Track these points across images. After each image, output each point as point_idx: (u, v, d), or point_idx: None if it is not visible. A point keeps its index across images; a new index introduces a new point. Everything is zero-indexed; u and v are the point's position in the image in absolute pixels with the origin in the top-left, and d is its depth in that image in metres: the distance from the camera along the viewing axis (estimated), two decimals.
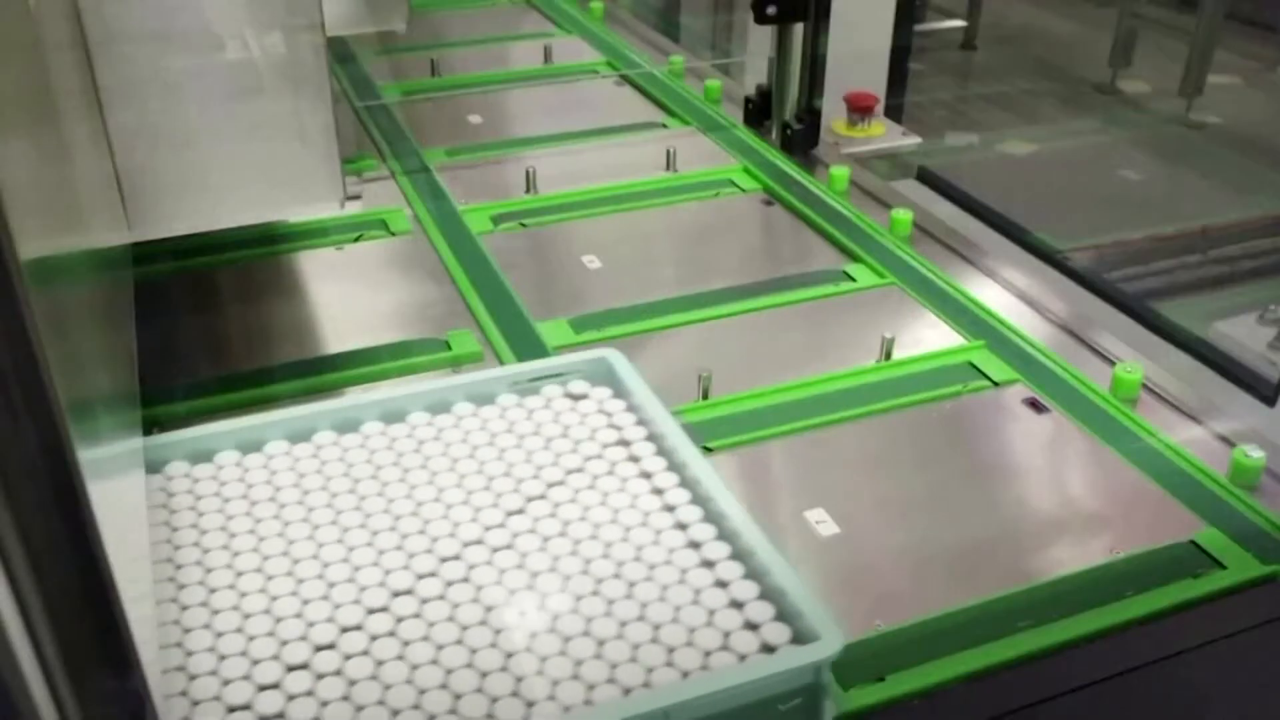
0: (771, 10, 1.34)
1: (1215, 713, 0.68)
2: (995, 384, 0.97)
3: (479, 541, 0.70)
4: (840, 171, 1.32)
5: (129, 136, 0.87)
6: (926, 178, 1.57)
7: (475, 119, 1.51)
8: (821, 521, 0.81)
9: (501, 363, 0.98)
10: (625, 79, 1.64)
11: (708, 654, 0.62)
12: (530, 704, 0.60)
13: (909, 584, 0.77)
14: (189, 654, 0.64)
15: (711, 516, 0.71)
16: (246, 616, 0.66)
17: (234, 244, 1.18)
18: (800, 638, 0.63)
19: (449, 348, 1.01)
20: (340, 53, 1.68)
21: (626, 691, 0.60)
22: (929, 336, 1.04)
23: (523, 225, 1.24)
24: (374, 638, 0.64)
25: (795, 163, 1.37)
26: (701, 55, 1.91)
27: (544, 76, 1.66)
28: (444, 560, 0.68)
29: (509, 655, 0.62)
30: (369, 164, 1.36)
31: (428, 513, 0.72)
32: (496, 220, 1.24)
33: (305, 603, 0.66)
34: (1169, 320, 1.29)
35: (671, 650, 0.62)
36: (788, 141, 1.40)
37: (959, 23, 2.79)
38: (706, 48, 2.20)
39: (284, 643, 0.64)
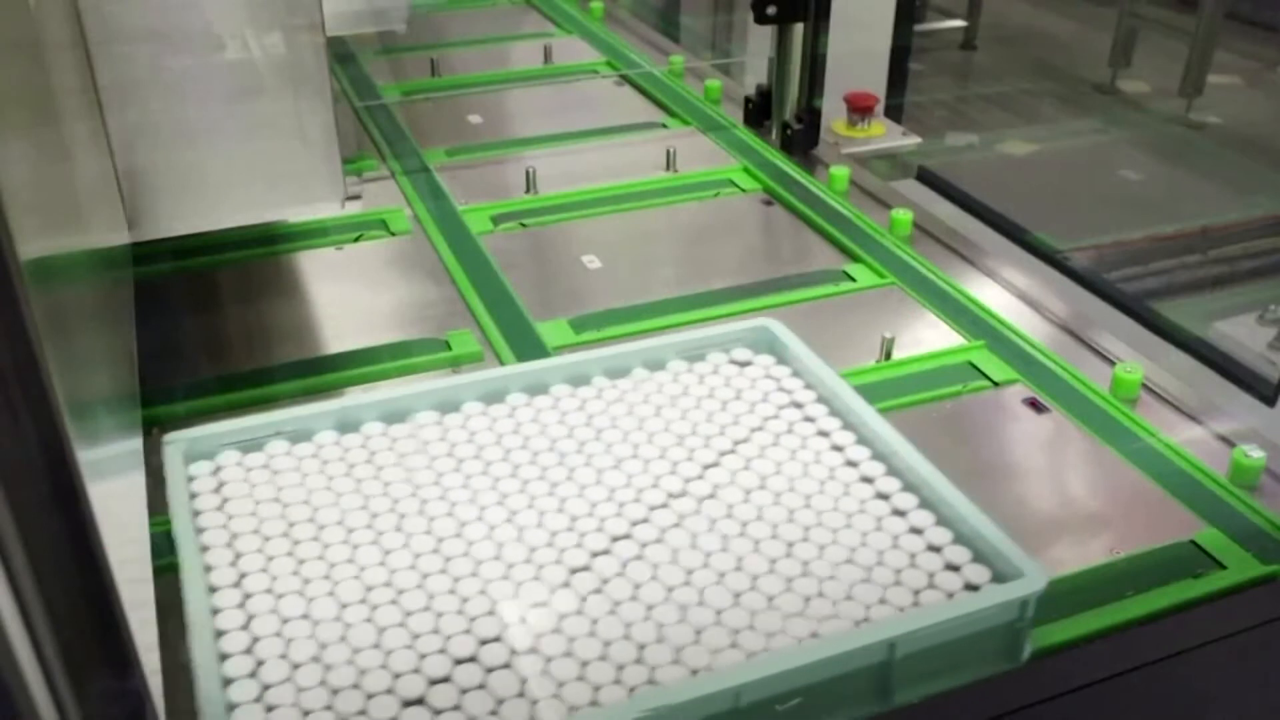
0: (771, 10, 1.34)
1: (1215, 713, 0.68)
2: (995, 384, 0.97)
3: (682, 492, 0.76)
4: (840, 171, 1.32)
5: (129, 136, 0.88)
6: (926, 178, 1.57)
7: (475, 119, 1.51)
8: None
9: (502, 363, 0.98)
10: (625, 79, 1.64)
11: (916, 592, 0.68)
12: (769, 634, 0.66)
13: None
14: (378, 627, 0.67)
15: (895, 470, 0.77)
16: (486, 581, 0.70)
17: (234, 244, 1.18)
18: (999, 578, 0.69)
19: (449, 348, 1.01)
20: (340, 53, 1.68)
21: (856, 624, 0.66)
22: (929, 336, 1.04)
23: (523, 225, 1.24)
24: (603, 580, 0.69)
25: (795, 163, 1.37)
26: (701, 55, 1.91)
27: (544, 76, 1.66)
28: (635, 523, 0.74)
29: (719, 611, 0.68)
30: (369, 164, 1.36)
31: (630, 468, 0.78)
32: (496, 220, 1.24)
33: (510, 566, 0.71)
34: (1169, 320, 1.29)
35: (884, 589, 0.69)
36: (788, 141, 1.40)
37: (959, 23, 2.79)
38: (706, 48, 2.20)
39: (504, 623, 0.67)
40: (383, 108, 1.53)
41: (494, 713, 0.62)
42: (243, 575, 0.70)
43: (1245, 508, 0.82)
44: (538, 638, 0.66)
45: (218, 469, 0.79)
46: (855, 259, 1.17)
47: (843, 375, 0.97)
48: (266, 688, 0.64)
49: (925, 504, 0.75)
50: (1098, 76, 2.54)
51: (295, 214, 1.16)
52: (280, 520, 0.74)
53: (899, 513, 0.74)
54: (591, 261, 1.17)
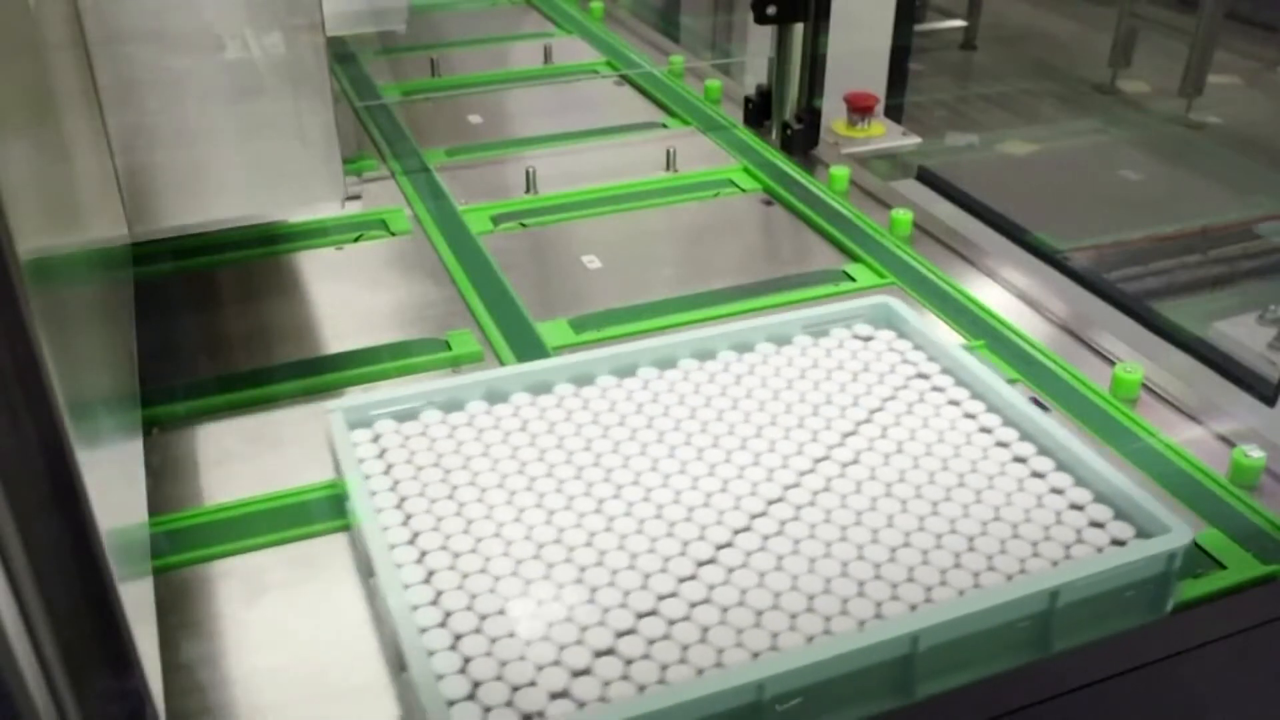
0: (771, 10, 1.34)
1: (1215, 713, 0.68)
2: None
3: (825, 457, 0.81)
4: (840, 171, 1.32)
5: (129, 136, 0.88)
6: (926, 178, 1.57)
7: (475, 119, 1.51)
8: None
9: (502, 363, 0.98)
10: (625, 79, 1.64)
11: (1067, 547, 0.72)
12: (928, 588, 0.70)
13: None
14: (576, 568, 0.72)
15: (1028, 435, 0.82)
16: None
17: (234, 244, 1.18)
18: (1142, 534, 0.73)
19: (449, 348, 1.01)
20: (340, 53, 1.68)
21: (1009, 577, 0.70)
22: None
23: (523, 225, 1.24)
24: (764, 537, 0.74)
25: (795, 163, 1.37)
26: (701, 55, 1.91)
27: (544, 76, 1.66)
28: (787, 487, 0.78)
29: (877, 565, 0.72)
30: (369, 164, 1.36)
31: (770, 434, 0.83)
32: (496, 220, 1.24)
33: (653, 540, 0.74)
34: (1169, 320, 1.29)
35: (1034, 544, 0.73)
36: (788, 141, 1.40)
37: (959, 23, 2.79)
38: (706, 48, 2.20)
39: (646, 575, 0.71)
40: (383, 108, 1.53)
41: (682, 660, 0.65)
42: (416, 534, 0.74)
43: (1245, 508, 0.82)
44: (711, 589, 0.70)
45: (377, 436, 0.83)
46: (855, 259, 1.17)
47: None
48: (458, 637, 0.67)
49: (1062, 466, 0.79)
50: (1098, 76, 2.54)
51: (295, 214, 1.16)
52: (443, 484, 0.78)
53: (1038, 474, 0.79)
54: (591, 261, 1.17)
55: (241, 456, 0.88)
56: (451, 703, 0.62)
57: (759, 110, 1.46)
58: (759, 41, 1.47)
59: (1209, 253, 1.73)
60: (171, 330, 1.05)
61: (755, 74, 1.50)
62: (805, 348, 0.92)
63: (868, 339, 0.94)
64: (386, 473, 0.79)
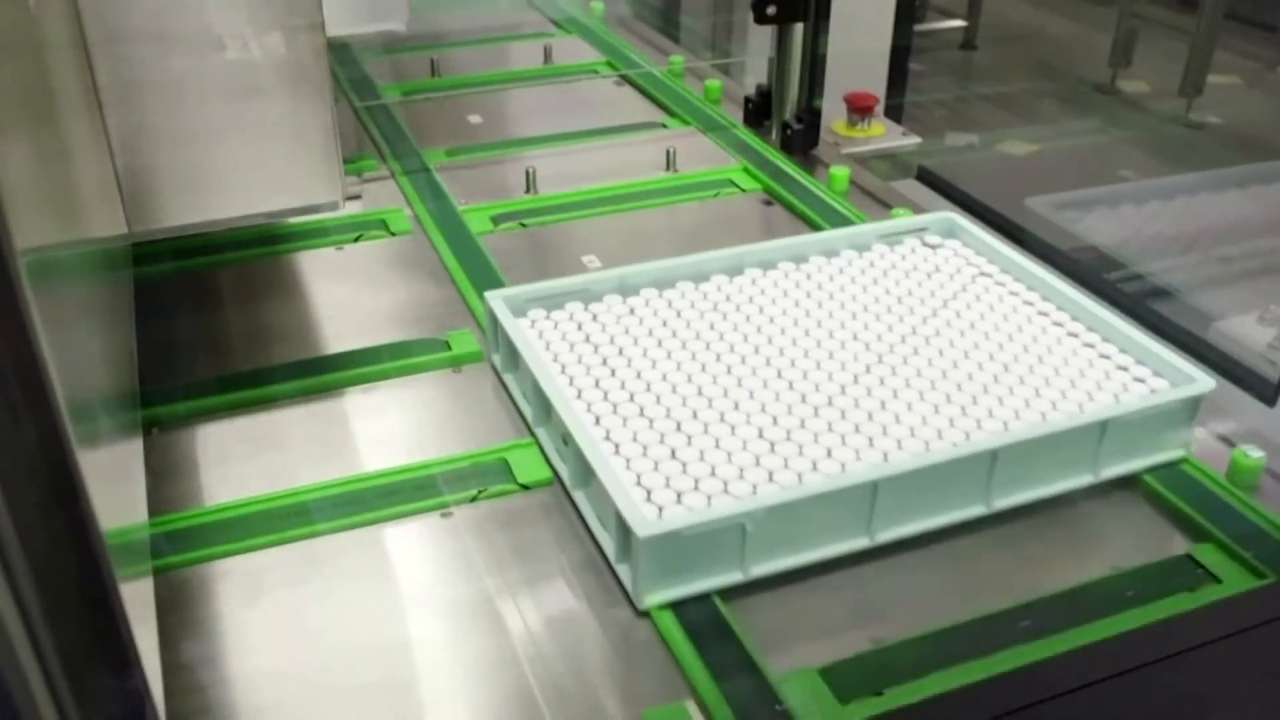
0: (771, 10, 1.34)
1: (1215, 713, 0.68)
2: None
3: (913, 331, 0.96)
4: (840, 171, 1.32)
5: (129, 136, 0.87)
6: (926, 178, 1.57)
7: (475, 119, 1.51)
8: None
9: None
10: (625, 79, 1.64)
11: (1116, 395, 0.88)
12: (1005, 421, 0.85)
13: (907, 598, 0.77)
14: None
15: (1079, 317, 0.98)
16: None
17: (234, 244, 1.18)
18: (1173, 384, 0.89)
19: (449, 348, 1.01)
20: (340, 53, 1.68)
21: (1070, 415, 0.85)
22: None
23: (523, 225, 1.24)
24: (866, 392, 0.89)
25: (795, 163, 1.37)
26: (701, 55, 1.91)
27: (544, 76, 1.66)
28: (883, 354, 0.93)
29: (964, 405, 0.88)
30: (369, 164, 1.37)
31: (864, 318, 0.98)
32: (496, 220, 1.24)
33: (778, 392, 0.89)
34: (1169, 320, 1.29)
35: (1089, 394, 0.88)
36: (788, 141, 1.40)
37: (959, 23, 2.79)
38: (706, 48, 2.20)
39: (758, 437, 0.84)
40: (383, 108, 1.53)
41: (815, 468, 0.81)
42: (579, 389, 0.89)
43: (1245, 508, 0.82)
44: (829, 424, 0.85)
45: (533, 323, 0.97)
46: None
47: None
48: (628, 458, 0.82)
49: (1107, 339, 0.95)
50: (1098, 76, 2.54)
51: (295, 214, 1.16)
52: (597, 358, 0.92)
53: (1088, 345, 0.95)
54: (591, 261, 1.17)
55: (241, 456, 0.88)
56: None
57: (759, 110, 1.46)
58: (759, 41, 1.47)
59: (1209, 252, 1.73)
60: (171, 330, 1.05)
61: (755, 74, 1.50)
62: (884, 253, 1.09)
63: (937, 246, 1.10)
64: (547, 349, 0.94)
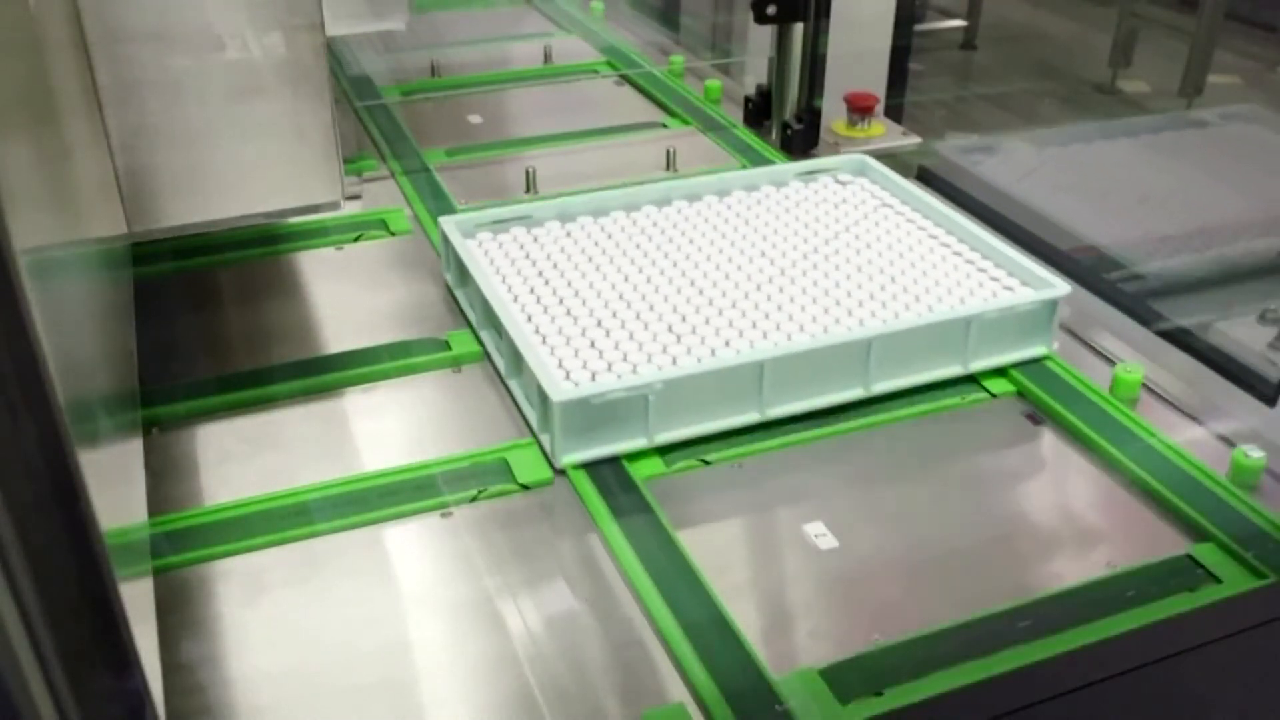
0: (771, 10, 1.34)
1: (1215, 713, 0.68)
2: (993, 395, 0.96)
3: (819, 249, 1.08)
4: None
5: (129, 136, 0.87)
6: (926, 178, 1.57)
7: (475, 119, 1.51)
8: (820, 535, 0.81)
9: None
10: (625, 79, 1.64)
11: (985, 300, 0.99)
12: (884, 320, 0.97)
13: (907, 598, 0.77)
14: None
15: (964, 240, 1.10)
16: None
17: (234, 244, 1.18)
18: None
19: (449, 347, 1.01)
20: (340, 53, 1.68)
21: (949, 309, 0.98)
22: None
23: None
24: (780, 290, 1.01)
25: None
26: (701, 55, 1.91)
27: (544, 76, 1.66)
28: (787, 268, 1.05)
29: (852, 306, 1.01)
30: (369, 164, 1.36)
31: (774, 239, 1.10)
32: None
33: (689, 298, 1.00)
34: (1169, 320, 1.28)
35: (962, 300, 1.00)
36: (788, 141, 1.40)
37: (959, 22, 2.79)
38: (706, 48, 2.20)
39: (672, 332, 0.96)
40: (383, 108, 1.53)
41: (713, 354, 0.92)
42: (516, 295, 1.00)
43: (1245, 508, 0.82)
44: (732, 322, 0.96)
45: (480, 244, 1.08)
46: None
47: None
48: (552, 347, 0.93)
49: (986, 256, 1.07)
50: (1098, 76, 2.54)
51: (295, 214, 1.16)
52: (534, 271, 1.03)
53: (969, 261, 1.06)
54: None
55: (241, 456, 0.88)
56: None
57: (759, 110, 1.46)
58: (759, 41, 1.46)
59: (1209, 252, 1.73)
60: (171, 330, 1.05)
61: (755, 74, 1.50)
62: (799, 188, 1.21)
63: (847, 183, 1.22)
64: (491, 264, 1.05)
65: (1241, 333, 1.26)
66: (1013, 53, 2.88)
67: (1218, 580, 0.76)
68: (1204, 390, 0.97)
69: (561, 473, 0.86)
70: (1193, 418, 0.93)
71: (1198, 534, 0.81)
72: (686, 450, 0.89)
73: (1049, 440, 0.92)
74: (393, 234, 1.21)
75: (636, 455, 0.88)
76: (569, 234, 1.11)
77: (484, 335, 1.01)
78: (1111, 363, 0.99)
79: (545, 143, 1.44)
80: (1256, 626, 0.72)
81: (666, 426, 0.88)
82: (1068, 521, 0.83)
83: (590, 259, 1.06)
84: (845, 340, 0.92)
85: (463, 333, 1.03)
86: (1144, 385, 0.96)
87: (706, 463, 0.88)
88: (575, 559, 0.79)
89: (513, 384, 0.94)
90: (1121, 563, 0.78)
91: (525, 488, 0.85)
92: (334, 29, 0.96)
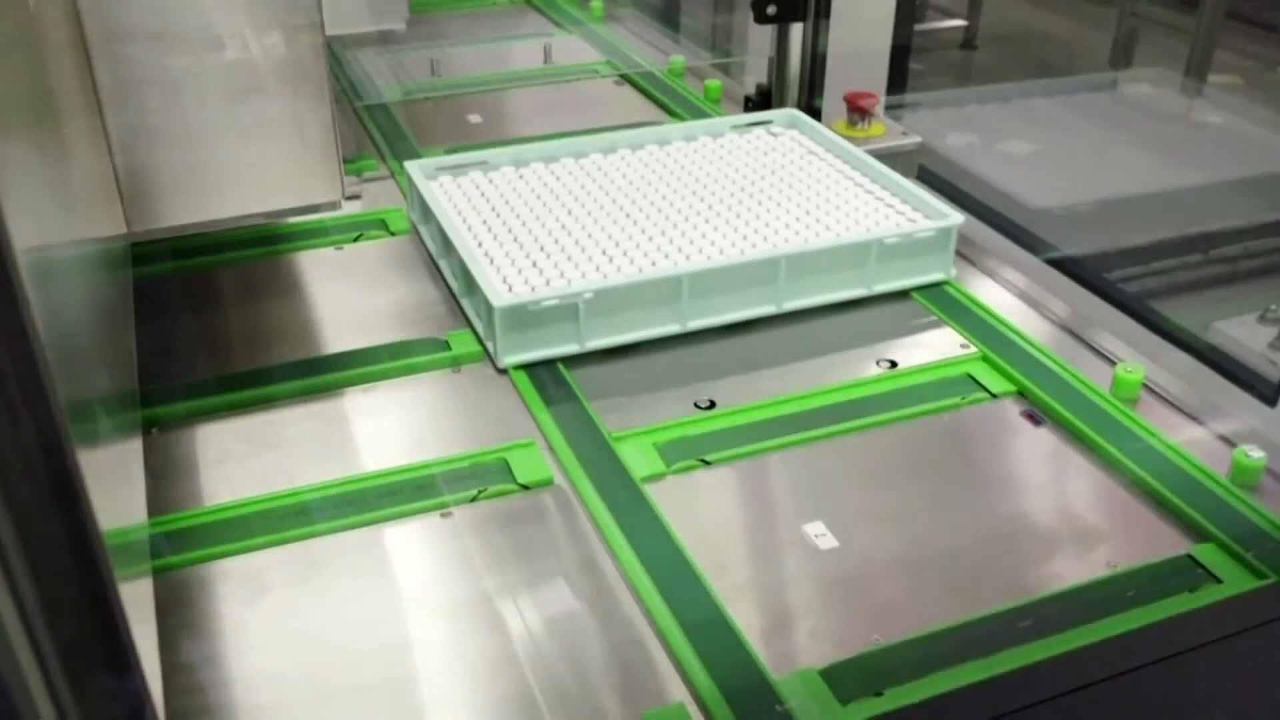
0: (771, 10, 1.34)
1: (1216, 713, 0.68)
2: (993, 395, 0.96)
3: (743, 188, 1.19)
4: None
5: (128, 136, 0.87)
6: (927, 177, 1.57)
7: (475, 119, 1.51)
8: (820, 535, 0.81)
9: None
10: (625, 79, 1.64)
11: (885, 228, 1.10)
12: (794, 242, 1.08)
13: (907, 598, 0.77)
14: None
15: (877, 181, 1.20)
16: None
17: (234, 244, 1.18)
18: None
19: (449, 347, 1.01)
20: (340, 52, 1.68)
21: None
22: (929, 336, 1.04)
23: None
24: (704, 222, 1.12)
25: None
26: (701, 55, 1.91)
27: (544, 76, 1.66)
28: (713, 204, 1.16)
29: (766, 231, 1.12)
30: (369, 164, 1.36)
31: (706, 182, 1.21)
32: None
33: (625, 228, 1.11)
34: (1169, 320, 1.29)
35: (868, 230, 1.09)
36: None
37: (959, 22, 2.79)
38: (706, 47, 2.20)
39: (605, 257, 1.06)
40: (383, 108, 1.53)
41: (654, 264, 1.04)
42: (470, 226, 1.10)
43: (1246, 508, 0.82)
44: (661, 249, 1.08)
45: (441, 185, 1.18)
46: None
47: (840, 388, 0.97)
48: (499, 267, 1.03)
49: (895, 194, 1.17)
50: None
51: (295, 213, 1.16)
52: (488, 208, 1.14)
53: (879, 199, 1.17)
54: None
55: (241, 456, 0.88)
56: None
57: (759, 109, 1.46)
58: (759, 41, 1.46)
59: (1209, 252, 1.73)
60: (171, 330, 1.05)
61: (755, 74, 1.50)
62: (734, 138, 1.32)
63: (780, 134, 1.32)
64: (450, 202, 1.15)
65: (1241, 333, 1.26)
66: (1013, 52, 2.88)
67: (1218, 580, 0.76)
68: (1204, 390, 0.97)
69: (504, 372, 0.97)
70: (1193, 418, 0.93)
71: (1198, 534, 0.81)
72: (682, 445, 0.89)
73: (1049, 440, 0.92)
74: (392, 234, 1.21)
75: (627, 438, 0.88)
76: (521, 177, 1.21)
77: (443, 264, 1.11)
78: (1111, 363, 0.99)
79: (545, 142, 1.44)
80: (1256, 626, 0.72)
81: (596, 334, 0.99)
82: (1068, 521, 0.83)
83: (539, 197, 1.16)
84: (758, 259, 1.03)
85: (463, 333, 1.03)
86: (1144, 385, 0.96)
87: (706, 463, 0.88)
88: (575, 559, 0.79)
89: (465, 303, 1.05)
90: (1122, 563, 0.78)
91: (525, 488, 0.85)
92: (334, 29, 0.96)
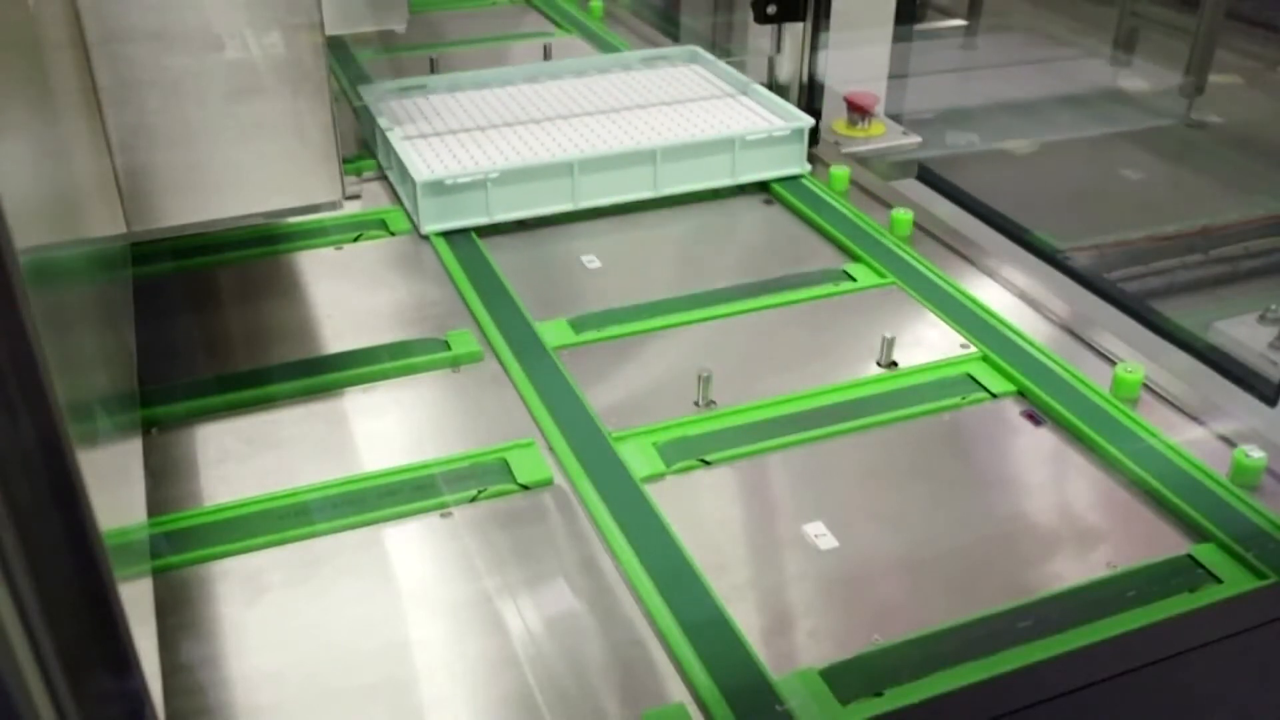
0: (771, 10, 1.34)
1: (1217, 714, 0.68)
2: (994, 395, 0.96)
3: (641, 106, 1.40)
4: (840, 171, 1.32)
5: (128, 136, 0.87)
6: (927, 177, 1.57)
7: None
8: (820, 535, 0.81)
9: (502, 364, 0.98)
10: None
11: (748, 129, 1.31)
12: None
13: (907, 598, 0.77)
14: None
15: (751, 95, 1.42)
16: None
17: (234, 244, 1.18)
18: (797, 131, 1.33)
19: (449, 347, 1.01)
20: (340, 53, 1.68)
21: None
22: (929, 337, 1.04)
23: (522, 224, 1.24)
24: (608, 133, 1.32)
25: None
26: None
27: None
28: (608, 117, 1.37)
29: (649, 133, 1.34)
30: (369, 164, 1.36)
31: (610, 104, 1.41)
32: None
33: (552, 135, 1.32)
34: (1169, 320, 1.28)
35: (732, 125, 1.33)
36: None
37: (959, 22, 2.79)
38: (706, 47, 2.20)
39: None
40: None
41: (553, 155, 1.25)
42: (407, 136, 1.31)
43: (1246, 508, 0.82)
44: (559, 144, 1.32)
45: (387, 104, 1.40)
46: (855, 259, 1.17)
47: (840, 387, 0.97)
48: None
49: (765, 107, 1.38)
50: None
51: (295, 213, 1.16)
52: (425, 122, 1.35)
53: (751, 110, 1.37)
54: (591, 261, 1.17)
55: (241, 456, 0.88)
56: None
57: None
58: (759, 41, 1.46)
59: (1210, 252, 1.73)
60: (171, 330, 1.05)
61: (755, 74, 1.50)
62: (643, 72, 1.52)
63: (677, 67, 1.54)
64: (397, 123, 1.34)
65: (1241, 332, 1.26)
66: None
67: (1218, 580, 0.76)
68: (1204, 390, 0.97)
69: (425, 238, 1.18)
70: (1193, 418, 0.93)
71: (1198, 534, 0.81)
72: (681, 445, 0.89)
73: (1049, 440, 0.92)
74: (392, 234, 1.21)
75: (627, 438, 0.88)
76: (455, 99, 1.43)
77: (386, 167, 1.32)
78: (1111, 363, 0.99)
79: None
80: (1257, 627, 0.72)
81: (502, 207, 1.21)
82: (1068, 521, 0.83)
83: (466, 112, 1.38)
84: (637, 149, 1.24)
85: (463, 333, 1.03)
86: (1144, 385, 0.96)
87: (706, 463, 0.88)
88: (575, 559, 0.79)
89: (400, 191, 1.26)
90: (1122, 563, 0.78)
91: (525, 488, 0.85)
92: (334, 29, 0.96)
